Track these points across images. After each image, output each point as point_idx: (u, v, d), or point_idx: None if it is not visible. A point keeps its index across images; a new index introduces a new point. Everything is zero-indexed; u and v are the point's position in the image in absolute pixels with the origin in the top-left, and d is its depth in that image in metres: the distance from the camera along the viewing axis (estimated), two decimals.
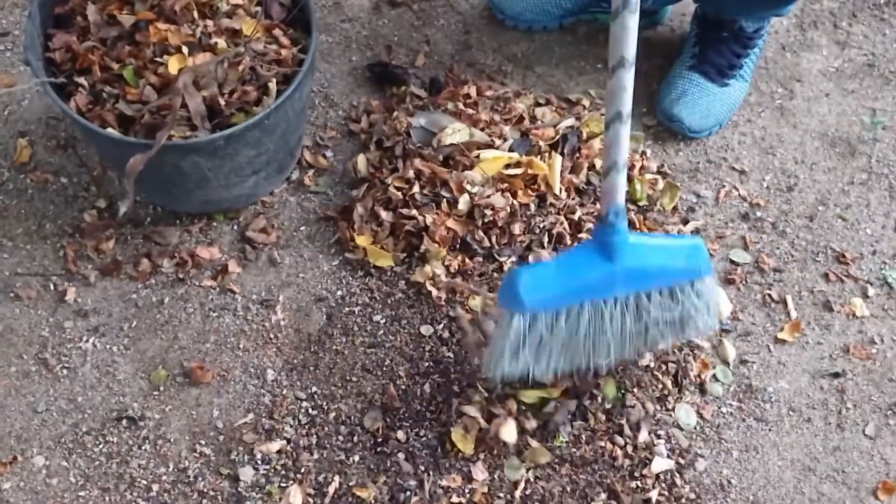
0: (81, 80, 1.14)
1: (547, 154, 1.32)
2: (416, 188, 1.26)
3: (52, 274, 1.25)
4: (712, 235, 1.33)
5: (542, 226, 1.24)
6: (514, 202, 1.23)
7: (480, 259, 1.24)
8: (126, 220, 1.30)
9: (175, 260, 1.26)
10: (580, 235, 1.26)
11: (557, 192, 1.26)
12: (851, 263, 1.31)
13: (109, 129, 1.10)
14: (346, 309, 1.23)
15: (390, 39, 1.54)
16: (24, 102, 1.43)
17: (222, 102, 1.11)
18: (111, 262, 1.26)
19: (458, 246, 1.25)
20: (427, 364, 1.17)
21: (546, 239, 1.24)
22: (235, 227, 1.30)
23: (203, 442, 1.12)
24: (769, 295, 1.28)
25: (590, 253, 0.97)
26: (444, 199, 1.25)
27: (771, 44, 1.54)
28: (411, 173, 1.28)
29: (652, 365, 1.18)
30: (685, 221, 1.34)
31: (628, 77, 0.89)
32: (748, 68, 1.45)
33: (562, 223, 1.25)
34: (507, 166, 1.29)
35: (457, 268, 1.23)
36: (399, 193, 1.27)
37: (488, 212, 1.23)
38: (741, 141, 1.44)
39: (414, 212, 1.24)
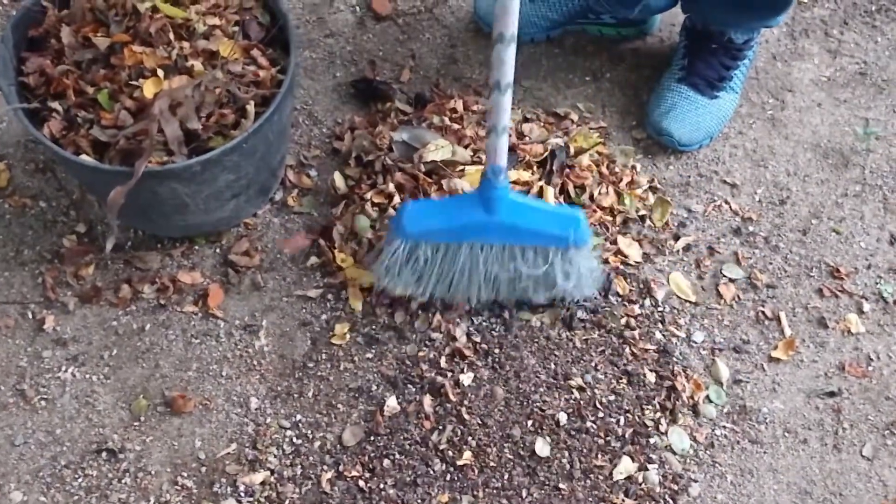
0: (55, 104, 1.12)
1: (535, 169, 1.29)
2: (396, 200, 1.24)
3: (31, 302, 1.23)
4: (704, 251, 1.30)
5: None
6: None
7: None
8: (105, 243, 1.27)
9: (156, 285, 1.23)
10: None
11: None
12: (846, 278, 1.28)
13: (84, 156, 1.07)
14: (331, 334, 1.20)
15: (375, 54, 1.52)
16: (2, 125, 1.41)
17: (199, 127, 1.08)
18: (91, 288, 1.23)
19: None
20: (414, 388, 1.15)
21: None
22: (218, 251, 1.28)
23: (185, 474, 1.10)
24: (762, 312, 1.25)
25: (472, 201, 1.08)
26: None
27: (762, 53, 1.52)
28: (391, 187, 1.25)
29: (641, 390, 1.16)
30: (676, 237, 1.32)
31: (508, 51, 0.97)
32: (738, 80, 1.42)
33: None
34: None
35: None
36: (378, 209, 1.25)
37: None
38: (732, 153, 1.42)
39: None
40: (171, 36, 1.13)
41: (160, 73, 1.10)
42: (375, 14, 1.57)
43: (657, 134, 1.39)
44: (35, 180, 1.35)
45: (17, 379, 1.16)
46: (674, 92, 1.40)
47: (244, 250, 1.27)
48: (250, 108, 1.11)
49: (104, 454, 1.11)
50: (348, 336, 1.20)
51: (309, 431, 1.13)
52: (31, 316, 1.22)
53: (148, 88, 1.08)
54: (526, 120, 1.40)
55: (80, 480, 1.09)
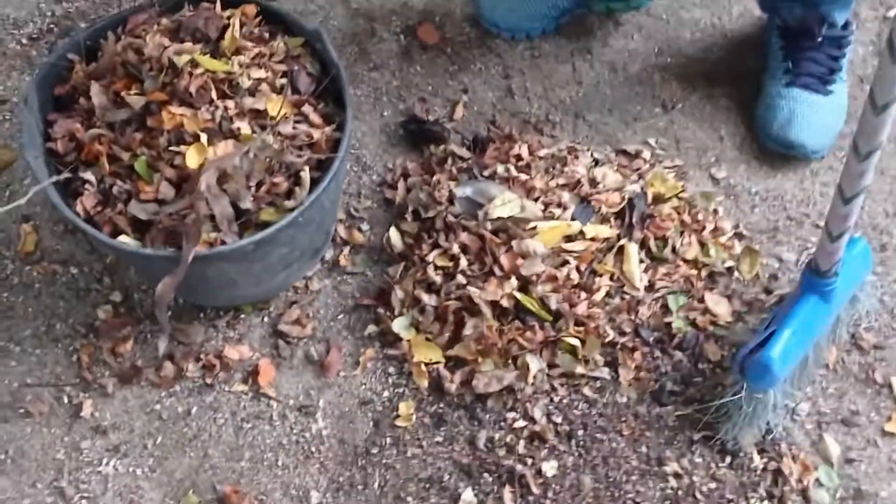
0: (88, 174, 1.01)
1: (612, 222, 1.18)
2: (463, 263, 1.12)
3: (66, 384, 1.12)
4: None
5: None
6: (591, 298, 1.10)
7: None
8: (145, 315, 1.17)
9: (201, 362, 1.13)
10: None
11: (637, 283, 1.12)
12: None
13: (122, 238, 0.96)
14: (395, 414, 1.09)
15: (424, 89, 1.40)
16: (27, 180, 1.30)
17: (249, 198, 0.97)
18: (130, 367, 1.13)
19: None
20: (491, 478, 1.04)
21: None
22: (266, 319, 1.17)
23: None
24: (871, 377, 1.13)
25: (814, 304, 1.02)
26: (496, 278, 1.12)
27: (849, 76, 1.39)
28: (455, 248, 1.14)
29: (745, 475, 1.04)
30: (768, 291, 1.20)
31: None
32: (845, 68, 1.33)
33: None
34: (569, 239, 1.15)
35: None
36: (442, 273, 1.13)
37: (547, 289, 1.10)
38: (823, 192, 1.29)
39: (460, 291, 1.10)
40: (214, 94, 1.02)
41: (203, 137, 0.99)
42: (421, 43, 1.45)
43: (785, 148, 1.28)
44: (65, 243, 1.24)
45: (55, 475, 1.06)
46: (787, 98, 1.28)
47: (295, 319, 1.16)
48: (305, 175, 0.99)
49: None
50: (414, 417, 1.09)
51: None
52: (66, 400, 1.11)
53: (191, 157, 0.97)
54: (597, 163, 1.27)
55: None
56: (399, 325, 1.13)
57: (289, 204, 0.98)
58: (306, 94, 1.07)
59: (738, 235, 1.24)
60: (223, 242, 0.95)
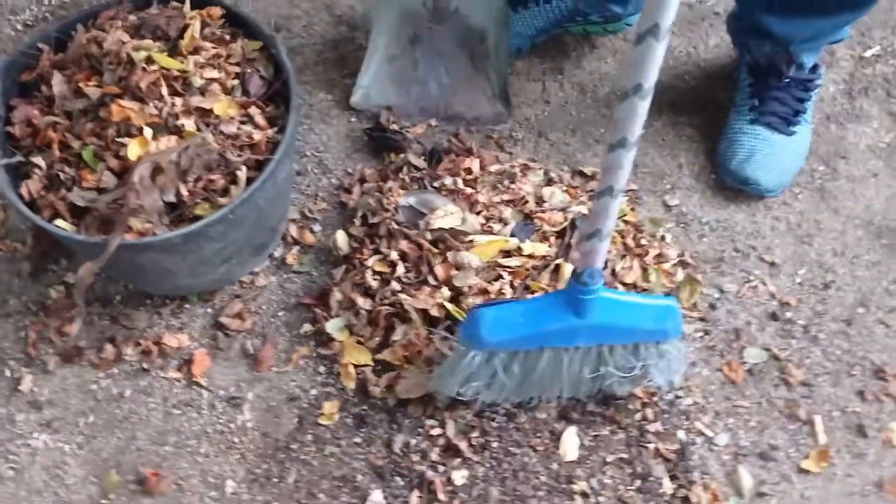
0: (38, 159, 1.05)
1: (552, 241, 1.19)
2: (399, 270, 1.15)
3: (10, 358, 1.17)
4: (732, 338, 1.18)
5: None
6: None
7: None
8: (94, 298, 1.21)
9: (140, 347, 1.17)
10: None
11: None
12: (892, 380, 1.15)
13: (58, 221, 1.00)
14: (319, 412, 1.12)
15: None
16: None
17: (185, 192, 1.00)
18: (73, 347, 1.17)
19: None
20: (402, 482, 1.06)
21: None
22: (210, 311, 1.21)
23: None
24: (795, 413, 1.13)
25: (559, 304, 0.94)
26: (429, 287, 1.14)
27: (814, 113, 1.39)
28: (395, 255, 1.17)
29: (652, 500, 1.05)
30: (703, 320, 1.20)
31: (628, 157, 0.82)
32: (810, 110, 1.33)
33: None
34: (506, 254, 1.17)
35: None
36: (379, 278, 1.16)
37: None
38: (774, 227, 1.29)
39: (394, 297, 1.13)
40: (165, 91, 1.06)
41: (148, 132, 1.03)
42: None
43: (741, 184, 1.29)
44: (30, 224, 1.29)
45: None
46: (749, 135, 1.29)
47: (236, 312, 1.20)
48: (241, 174, 1.03)
49: None
50: (337, 416, 1.12)
51: None
52: (8, 373, 1.16)
53: (132, 150, 1.01)
54: (549, 182, 1.29)
55: None
56: (333, 327, 1.16)
57: (223, 201, 1.02)
58: (255, 96, 1.10)
59: (683, 263, 1.25)
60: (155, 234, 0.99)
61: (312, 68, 1.47)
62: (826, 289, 1.23)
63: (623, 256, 1.22)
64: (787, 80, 1.30)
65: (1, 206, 1.30)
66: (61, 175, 1.04)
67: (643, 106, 0.77)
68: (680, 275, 1.24)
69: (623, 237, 1.24)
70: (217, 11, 1.16)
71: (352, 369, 1.13)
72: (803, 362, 1.17)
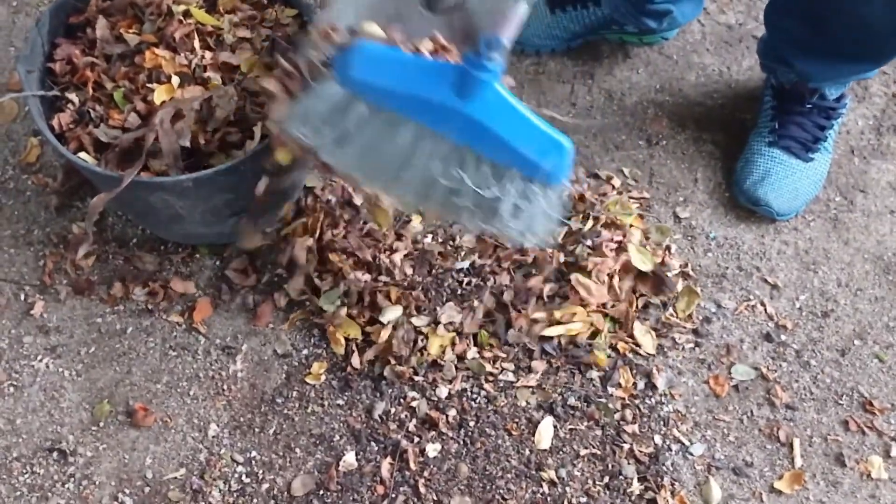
0: (73, 95, 1.11)
1: None
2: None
3: (27, 283, 1.23)
4: (723, 354, 1.19)
5: None
6: None
7: None
8: (112, 238, 1.27)
9: (148, 288, 1.21)
10: None
11: None
12: (879, 414, 1.15)
13: (82, 154, 1.05)
14: (307, 371, 1.15)
15: None
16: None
17: (202, 140, 1.05)
18: (85, 280, 1.22)
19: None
20: (376, 447, 1.09)
21: None
22: (218, 263, 1.25)
23: (127, 490, 1.07)
24: (775, 433, 1.13)
25: (445, 73, 0.81)
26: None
27: (838, 144, 1.39)
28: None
29: (618, 498, 1.06)
30: (697, 332, 1.21)
31: None
32: (831, 139, 1.33)
33: None
34: None
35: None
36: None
37: None
38: (781, 251, 1.29)
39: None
40: (197, 43, 1.10)
41: (175, 80, 1.08)
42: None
43: (752, 204, 1.29)
44: (62, 161, 1.35)
45: None
46: (766, 157, 1.30)
47: (242, 268, 1.24)
48: (257, 130, 1.07)
49: (55, 454, 1.09)
50: (323, 377, 1.15)
51: (260, 471, 1.08)
52: (23, 298, 1.22)
53: (159, 94, 1.06)
54: None
55: (26, 476, 1.08)
56: (326, 300, 1.19)
57: (237, 154, 1.06)
58: None
59: (684, 275, 1.26)
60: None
61: None
62: (825, 317, 1.23)
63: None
64: (809, 106, 1.30)
65: (39, 141, 1.36)
66: (91, 112, 1.09)
67: None
68: (680, 285, 1.24)
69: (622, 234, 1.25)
70: None
71: (341, 337, 1.16)
72: (791, 385, 1.17)
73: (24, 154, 1.35)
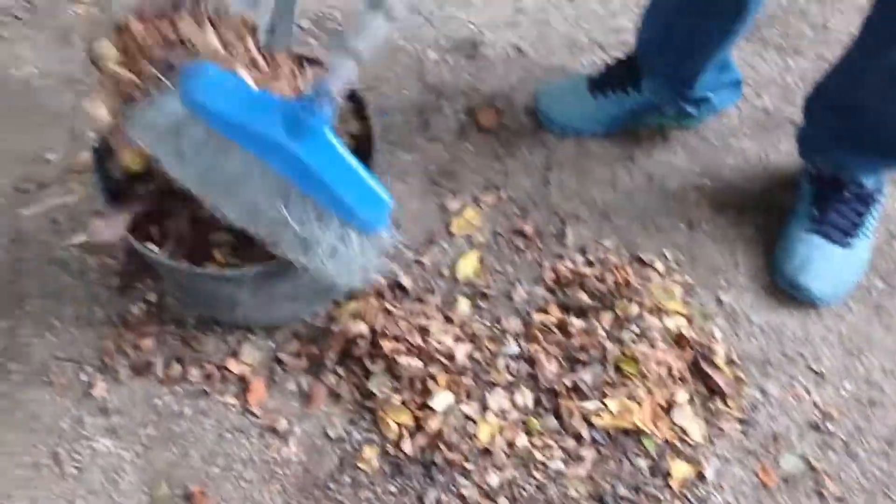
0: (141, 188, 1.16)
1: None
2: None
3: (88, 363, 1.27)
4: (770, 442, 1.20)
5: None
6: None
7: None
8: (171, 319, 1.31)
9: (204, 370, 1.25)
10: None
11: None
12: None
13: (149, 244, 1.10)
14: (359, 456, 1.18)
15: (469, 165, 1.51)
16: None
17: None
18: (145, 361, 1.26)
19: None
20: None
21: None
22: (271, 345, 1.29)
23: None
24: None
25: (278, 109, 0.88)
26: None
27: (880, 230, 1.41)
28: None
29: None
30: (743, 421, 1.22)
31: None
32: (871, 224, 1.35)
33: None
34: None
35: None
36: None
37: None
38: (824, 337, 1.31)
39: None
40: None
41: None
42: (479, 124, 1.57)
43: (793, 290, 1.31)
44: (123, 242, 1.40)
45: (56, 440, 1.20)
46: (805, 243, 1.32)
47: (295, 350, 1.27)
48: None
49: None
50: (376, 462, 1.17)
51: None
52: (84, 378, 1.26)
53: None
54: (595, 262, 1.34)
55: None
56: (375, 384, 1.21)
57: None
58: None
59: (730, 361, 1.28)
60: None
61: (395, 129, 1.56)
62: (871, 406, 1.24)
63: (671, 346, 1.25)
64: (847, 194, 1.32)
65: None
66: (159, 203, 1.14)
67: None
68: (725, 372, 1.26)
69: (673, 327, 1.27)
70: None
71: (392, 422, 1.19)
72: (839, 476, 1.18)
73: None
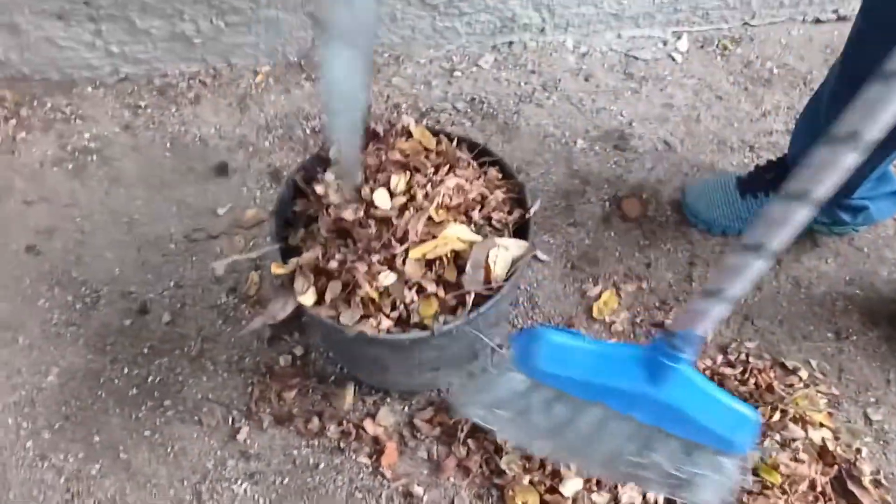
0: (308, 255, 1.23)
1: None
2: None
3: (235, 408, 1.34)
4: None
5: None
6: None
7: None
8: (314, 373, 1.37)
9: (342, 427, 1.30)
10: None
11: None
12: None
13: (305, 298, 1.16)
14: None
15: (612, 253, 1.52)
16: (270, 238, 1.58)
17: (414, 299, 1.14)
18: (287, 412, 1.32)
19: None
20: None
21: None
22: (406, 409, 1.32)
23: None
24: None
25: (635, 360, 0.82)
26: None
27: None
28: None
29: None
30: None
31: (802, 213, 0.67)
32: None
33: None
34: None
35: None
36: None
37: None
38: None
39: None
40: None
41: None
42: (623, 213, 1.59)
43: None
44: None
45: (200, 479, 1.27)
46: None
47: (429, 418, 1.30)
48: (469, 297, 1.15)
49: None
50: None
51: None
52: (231, 422, 1.33)
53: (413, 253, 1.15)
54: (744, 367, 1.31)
55: None
56: (506, 461, 1.22)
57: (449, 318, 1.14)
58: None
59: (876, 482, 1.21)
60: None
61: (540, 212, 1.60)
62: None
63: (817, 461, 1.20)
64: None
65: (259, 276, 1.52)
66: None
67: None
68: (873, 494, 1.19)
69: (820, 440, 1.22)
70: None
71: (519, 502, 1.19)
72: None
73: (246, 287, 1.50)
